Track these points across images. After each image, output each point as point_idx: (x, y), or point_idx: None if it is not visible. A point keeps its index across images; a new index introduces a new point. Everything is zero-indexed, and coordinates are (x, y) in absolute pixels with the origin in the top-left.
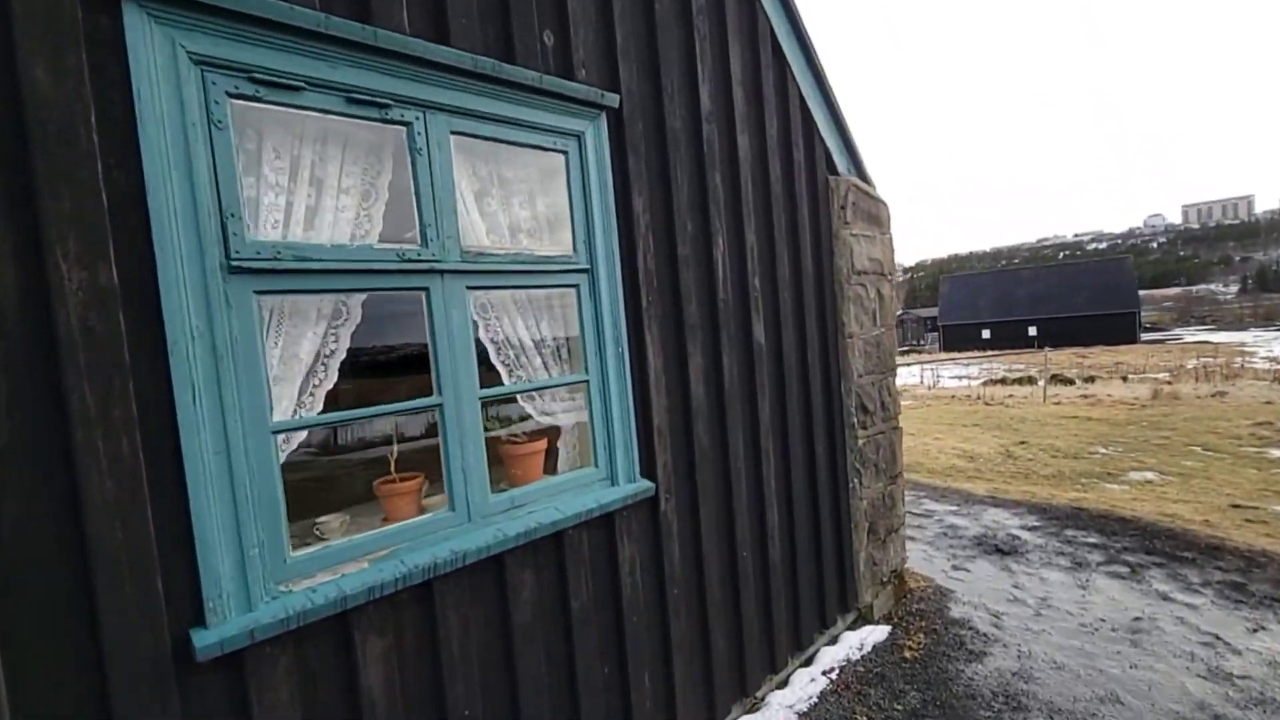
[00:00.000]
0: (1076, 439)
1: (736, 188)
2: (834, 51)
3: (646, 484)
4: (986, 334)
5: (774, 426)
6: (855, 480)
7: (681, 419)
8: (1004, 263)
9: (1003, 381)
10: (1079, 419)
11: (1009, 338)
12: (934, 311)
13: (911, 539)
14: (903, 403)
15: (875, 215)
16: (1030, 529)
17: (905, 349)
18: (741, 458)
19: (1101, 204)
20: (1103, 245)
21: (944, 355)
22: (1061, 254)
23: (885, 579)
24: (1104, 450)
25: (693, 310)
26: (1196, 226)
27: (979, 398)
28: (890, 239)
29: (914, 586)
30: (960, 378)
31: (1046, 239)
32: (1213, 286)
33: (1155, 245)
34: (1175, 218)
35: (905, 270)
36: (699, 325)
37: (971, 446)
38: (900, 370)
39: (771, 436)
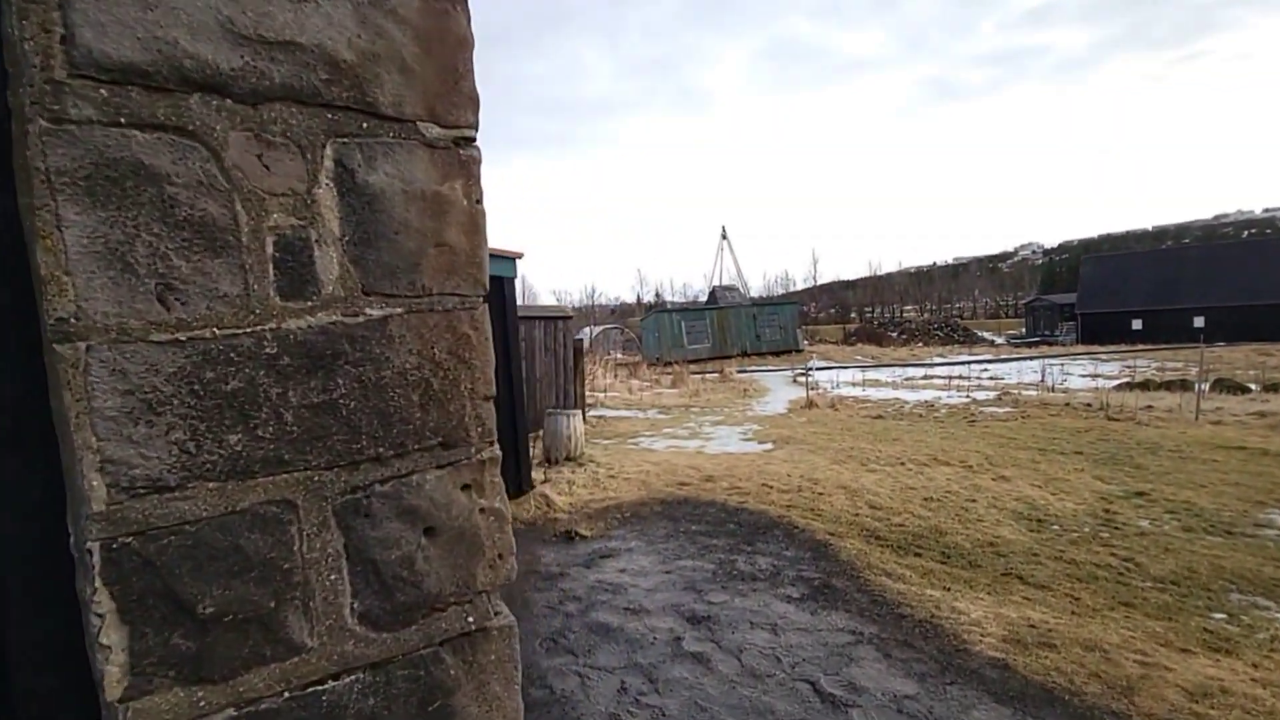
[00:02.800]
0: (1236, 491)
1: None
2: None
3: None
4: (1138, 324)
5: None
6: None
7: None
8: (1169, 243)
9: (1144, 386)
10: (1246, 452)
11: (1167, 329)
12: (1073, 298)
13: None
14: (995, 410)
15: None
16: None
17: (1035, 340)
18: None
19: None
20: None
21: (1080, 349)
22: (1246, 233)
23: None
24: None
25: None
26: None
27: (1103, 407)
28: None
29: None
30: (1093, 376)
31: (1225, 215)
32: None
33: None
34: None
35: (1045, 252)
36: None
37: (1052, 498)
38: (1019, 365)
39: None
